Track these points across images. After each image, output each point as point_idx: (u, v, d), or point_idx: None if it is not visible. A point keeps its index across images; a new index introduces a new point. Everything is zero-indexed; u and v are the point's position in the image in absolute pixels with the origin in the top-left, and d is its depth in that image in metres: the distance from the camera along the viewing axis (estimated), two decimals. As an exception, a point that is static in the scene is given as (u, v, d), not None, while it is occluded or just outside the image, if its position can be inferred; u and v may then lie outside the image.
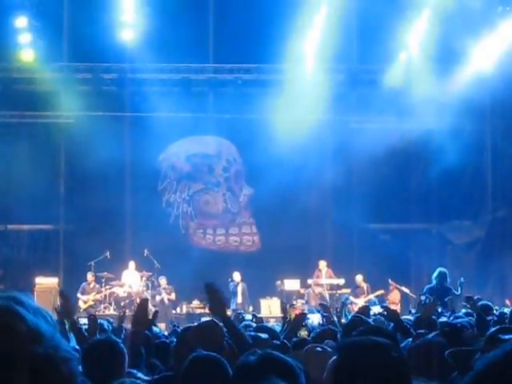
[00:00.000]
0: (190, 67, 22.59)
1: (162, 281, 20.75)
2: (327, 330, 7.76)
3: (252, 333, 7.08)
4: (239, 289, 20.73)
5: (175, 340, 6.67)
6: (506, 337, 4.43)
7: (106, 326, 8.92)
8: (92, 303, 20.21)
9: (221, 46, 22.55)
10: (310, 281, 21.02)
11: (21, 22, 20.68)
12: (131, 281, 20.76)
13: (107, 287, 20.56)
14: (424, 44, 21.16)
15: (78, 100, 21.75)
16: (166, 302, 20.48)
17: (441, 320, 9.90)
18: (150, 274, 20.93)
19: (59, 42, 21.96)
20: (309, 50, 21.65)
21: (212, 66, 22.95)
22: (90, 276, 20.49)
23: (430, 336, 6.54)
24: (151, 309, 20.15)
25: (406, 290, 20.58)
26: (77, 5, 21.53)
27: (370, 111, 21.96)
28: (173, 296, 20.70)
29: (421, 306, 12.47)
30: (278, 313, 20.62)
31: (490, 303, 10.97)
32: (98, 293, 20.39)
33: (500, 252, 22.16)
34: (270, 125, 21.35)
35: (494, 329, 6.08)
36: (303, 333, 8.46)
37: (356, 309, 15.75)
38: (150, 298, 20.46)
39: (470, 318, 9.28)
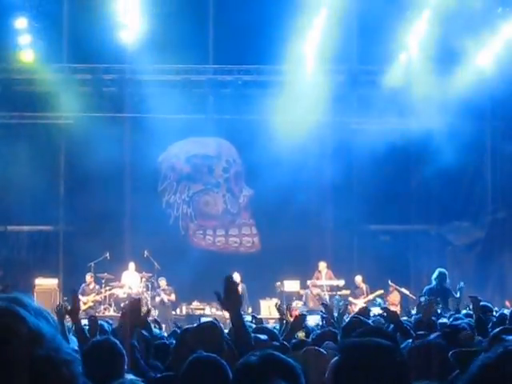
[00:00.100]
0: (189, 68, 22.58)
1: (162, 282, 20.75)
2: (327, 331, 7.76)
3: (251, 334, 7.07)
4: (239, 290, 20.71)
5: (175, 341, 6.68)
6: (510, 337, 4.43)
7: (106, 327, 8.92)
8: (91, 304, 20.20)
9: (221, 47, 22.55)
10: (309, 282, 21.02)
11: (21, 22, 20.67)
12: (131, 282, 20.75)
13: (107, 288, 20.55)
14: (424, 45, 21.16)
15: (78, 101, 21.75)
16: (166, 301, 20.46)
17: (441, 321, 9.92)
18: (150, 275, 20.92)
19: (59, 42, 21.96)
20: (309, 50, 21.65)
21: (212, 67, 22.94)
22: (88, 277, 20.49)
23: (432, 337, 6.55)
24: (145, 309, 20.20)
25: (406, 292, 20.57)
26: (76, 6, 21.52)
27: (370, 112, 21.97)
28: (173, 297, 20.70)
29: (420, 308, 12.50)
30: (277, 314, 20.63)
31: (489, 304, 10.97)
32: (97, 294, 20.39)
33: (500, 253, 22.18)
34: (270, 126, 21.35)
35: (497, 329, 6.09)
36: (301, 334, 8.47)
37: (356, 310, 15.76)
38: (149, 298, 20.48)
39: (470, 319, 9.27)
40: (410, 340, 6.47)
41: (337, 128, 22.22)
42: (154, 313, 19.94)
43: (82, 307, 19.85)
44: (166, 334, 10.83)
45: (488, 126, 23.03)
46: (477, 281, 21.84)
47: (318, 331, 8.33)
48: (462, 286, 15.12)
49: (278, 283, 21.35)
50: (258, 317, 13.47)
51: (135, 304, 6.58)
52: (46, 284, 20.67)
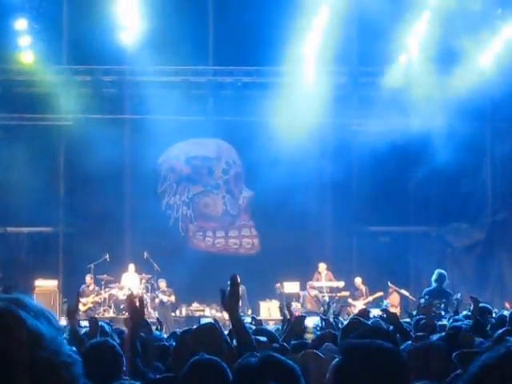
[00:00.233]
0: (189, 69, 22.58)
1: (162, 283, 20.74)
2: (327, 333, 7.76)
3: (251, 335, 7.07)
4: (239, 291, 20.69)
5: (174, 342, 6.68)
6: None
7: (107, 329, 8.92)
8: (91, 305, 20.20)
9: (220, 49, 22.55)
10: (314, 284, 21.00)
11: (20, 24, 20.66)
12: (131, 283, 20.74)
13: (106, 290, 20.56)
14: (424, 45, 21.16)
15: (78, 102, 21.74)
16: (166, 301, 20.41)
17: (440, 323, 9.92)
18: (150, 276, 20.92)
19: (59, 44, 21.96)
20: (309, 52, 21.64)
21: (212, 68, 22.94)
22: (88, 278, 20.48)
23: (434, 339, 6.56)
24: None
25: (406, 293, 20.57)
26: (76, 7, 21.52)
27: (370, 113, 21.96)
28: (173, 298, 20.67)
29: (421, 309, 12.49)
30: (277, 315, 20.64)
31: (489, 306, 10.97)
32: (97, 295, 20.39)
33: (499, 255, 22.18)
34: (270, 127, 21.35)
35: (501, 331, 6.10)
36: (310, 335, 8.46)
37: (355, 311, 15.76)
38: (149, 300, 20.47)
39: (469, 320, 9.28)
40: (410, 341, 6.47)
41: (336, 129, 22.22)
42: (154, 314, 19.94)
43: (82, 308, 19.89)
44: (165, 336, 10.82)
45: (488, 127, 23.04)
46: (476, 282, 21.88)
47: (318, 332, 8.33)
48: (458, 298, 15.03)
49: (278, 285, 21.35)
50: (258, 318, 13.48)
51: (133, 300, 6.57)
52: (46, 285, 20.68)
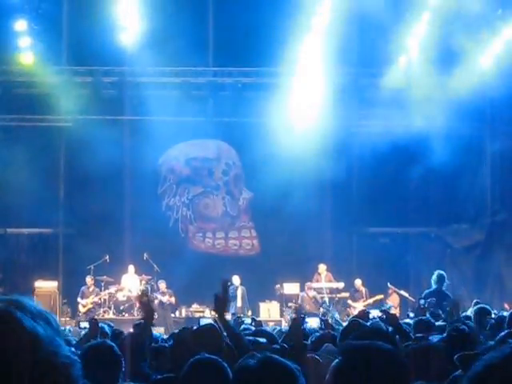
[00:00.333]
0: (189, 70, 22.59)
1: (162, 285, 20.73)
2: (326, 334, 7.77)
3: (250, 337, 7.09)
4: (239, 292, 20.71)
5: (172, 341, 6.69)
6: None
7: (107, 330, 8.93)
8: (91, 306, 20.21)
9: (220, 50, 22.56)
10: (312, 285, 20.99)
11: (20, 25, 20.66)
12: (131, 284, 20.74)
13: (106, 291, 20.56)
14: (424, 46, 21.14)
15: (78, 103, 21.75)
16: (165, 301, 20.36)
17: (438, 323, 9.92)
18: (150, 277, 20.93)
19: (59, 45, 21.94)
20: (309, 53, 21.63)
21: (212, 69, 22.95)
22: (89, 280, 20.49)
23: (436, 340, 6.56)
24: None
25: (405, 294, 20.57)
26: (76, 8, 21.51)
27: (369, 114, 21.97)
28: (173, 299, 20.66)
29: (420, 310, 12.51)
30: (277, 316, 20.65)
31: (488, 307, 10.96)
32: (96, 295, 20.40)
33: (499, 255, 22.16)
34: (270, 128, 21.34)
35: (503, 333, 6.10)
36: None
37: (355, 312, 15.75)
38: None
39: (468, 321, 9.28)
40: (410, 342, 6.48)
41: (336, 130, 22.19)
42: (154, 315, 19.94)
43: (82, 310, 19.93)
44: (165, 337, 10.83)
45: (487, 128, 23.03)
46: (476, 283, 21.89)
47: (317, 334, 8.34)
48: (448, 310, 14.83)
49: (278, 286, 21.36)
50: (258, 319, 13.47)
51: (146, 301, 6.60)
52: (46, 286, 20.67)
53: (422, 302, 14.21)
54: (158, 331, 15.11)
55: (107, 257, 20.87)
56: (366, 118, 22.12)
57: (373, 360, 2.69)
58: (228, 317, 20.34)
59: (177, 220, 23.73)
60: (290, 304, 20.68)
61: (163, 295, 20.47)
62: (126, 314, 20.34)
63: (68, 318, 20.54)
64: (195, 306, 21.03)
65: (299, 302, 20.44)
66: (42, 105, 21.98)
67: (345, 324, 9.83)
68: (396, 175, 22.53)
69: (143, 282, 20.77)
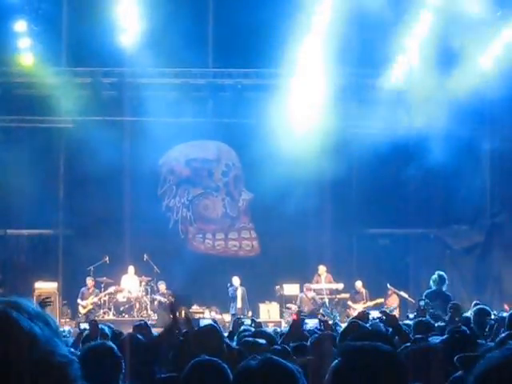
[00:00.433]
0: (189, 72, 22.59)
1: (162, 286, 20.74)
2: (326, 334, 7.77)
3: (250, 338, 7.09)
4: (239, 293, 20.72)
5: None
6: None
7: (107, 331, 8.92)
8: (91, 307, 20.21)
9: (220, 51, 22.56)
10: (311, 286, 20.99)
11: (20, 26, 20.65)
12: (131, 286, 20.75)
13: (106, 292, 20.56)
14: (424, 48, 21.13)
15: (78, 104, 21.74)
16: (164, 301, 20.32)
17: (439, 324, 9.92)
18: (150, 278, 20.93)
19: (59, 46, 21.93)
20: (308, 53, 21.61)
21: (211, 70, 22.95)
22: (89, 281, 20.50)
23: (436, 341, 6.56)
24: (151, 313, 20.21)
25: (405, 295, 20.57)
26: (76, 9, 21.49)
27: (369, 115, 21.94)
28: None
29: (420, 311, 12.49)
30: (277, 317, 20.64)
31: (487, 308, 10.96)
32: (96, 296, 20.40)
33: (498, 257, 22.17)
34: (270, 129, 21.34)
35: (504, 334, 6.11)
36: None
37: (354, 314, 15.74)
38: (149, 302, 20.48)
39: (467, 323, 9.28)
40: (409, 343, 6.48)
41: (336, 131, 22.17)
42: (154, 316, 19.97)
43: (82, 311, 19.93)
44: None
45: (487, 129, 23.02)
46: (475, 284, 21.90)
47: (317, 335, 8.33)
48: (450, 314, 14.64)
49: (278, 287, 21.36)
50: (257, 320, 13.47)
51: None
52: (46, 287, 20.66)
53: (421, 302, 14.20)
54: (158, 332, 15.03)
55: (107, 258, 20.88)
56: (366, 119, 22.08)
57: (371, 361, 2.69)
58: (227, 317, 20.41)
59: (177, 221, 23.73)
60: (288, 305, 20.69)
61: (163, 296, 20.47)
62: (126, 315, 20.34)
63: (68, 319, 20.55)
64: (195, 307, 21.02)
65: (298, 303, 20.44)
66: (42, 106, 21.97)
67: (344, 325, 9.82)
68: (396, 176, 22.54)
69: (143, 283, 20.78)
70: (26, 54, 21.03)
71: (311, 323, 10.82)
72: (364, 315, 9.94)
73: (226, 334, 6.17)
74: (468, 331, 7.12)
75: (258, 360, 3.06)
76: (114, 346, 5.41)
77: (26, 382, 1.57)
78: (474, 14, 19.33)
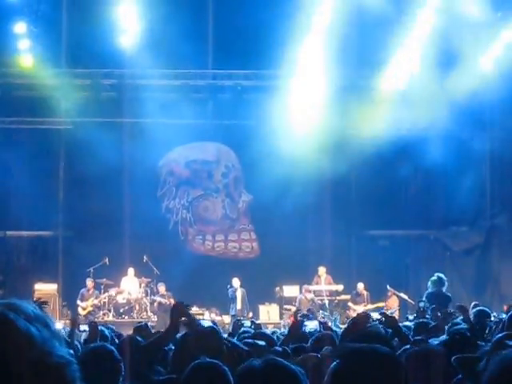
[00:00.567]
0: (189, 73, 22.60)
1: (161, 287, 20.73)
2: (326, 335, 7.76)
3: (249, 340, 7.08)
4: (238, 295, 20.70)
5: (174, 346, 6.67)
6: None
7: (106, 333, 8.91)
8: (91, 309, 20.20)
9: (220, 52, 22.56)
10: (310, 287, 20.98)
11: (20, 27, 20.65)
12: (130, 287, 20.75)
13: (106, 293, 20.55)
14: (423, 49, 21.13)
15: (77, 106, 21.76)
16: (164, 303, 20.31)
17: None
18: (149, 280, 20.93)
19: (58, 47, 21.94)
20: (308, 54, 21.60)
21: (211, 71, 22.96)
22: (89, 282, 20.49)
23: (436, 343, 6.55)
24: (150, 315, 20.20)
25: (405, 296, 20.56)
26: (76, 10, 21.49)
27: (369, 117, 21.94)
28: (172, 302, 20.62)
29: (420, 313, 12.49)
30: (276, 319, 20.64)
31: (487, 309, 10.96)
32: (96, 298, 20.39)
33: (498, 258, 22.16)
34: (270, 131, 21.34)
35: (500, 335, 6.09)
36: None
37: (354, 315, 15.73)
38: (148, 304, 20.47)
39: (464, 324, 9.27)
40: (408, 345, 6.47)
41: (336, 133, 22.16)
42: (154, 318, 19.96)
43: (82, 312, 19.91)
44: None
45: (487, 131, 23.01)
46: (475, 285, 21.89)
47: (317, 334, 8.32)
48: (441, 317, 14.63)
49: (277, 288, 21.35)
50: (257, 322, 13.46)
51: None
52: (46, 289, 20.66)
53: (421, 304, 14.20)
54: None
55: (107, 259, 20.86)
56: (365, 121, 22.07)
57: (370, 363, 2.69)
58: (227, 318, 20.39)
59: (176, 223, 23.73)
60: (286, 306, 20.68)
61: (163, 298, 20.46)
62: (126, 317, 20.33)
63: (68, 321, 20.52)
64: (195, 309, 20.97)
65: (297, 304, 20.43)
66: (42, 107, 21.98)
67: (344, 326, 9.82)
68: (395, 178, 22.54)
69: (143, 285, 20.78)
70: (26, 55, 21.04)
71: (311, 325, 10.82)
72: (363, 317, 9.92)
73: (225, 336, 6.18)
74: (468, 333, 7.10)
75: (260, 361, 3.06)
76: (113, 348, 5.40)
77: (23, 382, 1.57)
78: (474, 16, 19.34)
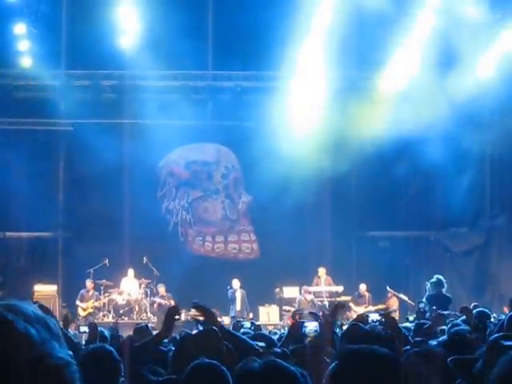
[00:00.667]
0: (188, 74, 22.60)
1: (161, 288, 20.72)
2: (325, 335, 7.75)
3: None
4: (238, 296, 20.69)
5: (174, 347, 6.67)
6: (509, 343, 4.43)
7: (106, 334, 8.91)
8: (91, 310, 20.19)
9: (220, 53, 22.57)
10: (310, 288, 20.98)
11: (19, 28, 20.67)
12: (130, 288, 20.73)
13: (106, 294, 20.54)
14: (423, 50, 21.14)
15: (77, 107, 21.75)
16: (163, 304, 20.30)
17: (440, 327, 9.90)
18: (149, 281, 20.91)
19: (58, 48, 21.96)
20: (308, 55, 21.61)
21: (211, 72, 22.97)
22: (89, 283, 20.47)
23: (437, 343, 6.55)
24: (150, 316, 20.19)
25: (405, 298, 20.54)
26: (75, 11, 21.50)
27: (369, 118, 21.94)
28: (172, 303, 20.61)
29: (420, 314, 12.49)
30: (276, 320, 20.62)
31: (487, 310, 10.96)
32: (96, 300, 20.37)
33: (498, 259, 22.15)
34: (269, 132, 21.34)
35: (496, 335, 6.09)
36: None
37: (354, 316, 15.73)
38: (148, 305, 20.46)
39: (463, 325, 9.26)
40: (408, 347, 6.47)
41: (336, 134, 22.16)
42: (153, 319, 19.94)
43: (82, 314, 19.90)
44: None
45: (487, 132, 22.99)
46: (475, 286, 21.87)
47: (315, 334, 8.31)
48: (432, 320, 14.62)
49: (277, 289, 21.33)
50: (257, 323, 13.46)
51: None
52: (45, 290, 20.64)
53: (421, 305, 14.21)
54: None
55: (106, 260, 20.84)
56: (365, 122, 22.07)
57: (369, 364, 2.69)
58: (227, 319, 20.36)
59: (176, 224, 23.73)
60: (285, 307, 20.66)
61: (163, 299, 20.46)
62: (126, 318, 20.32)
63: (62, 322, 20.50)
64: (194, 310, 20.97)
65: (296, 305, 20.41)
66: (42, 108, 21.99)
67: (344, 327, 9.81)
68: (395, 179, 22.53)
69: (143, 286, 20.76)
70: (26, 56, 21.07)
71: (311, 326, 10.81)
72: (363, 318, 9.92)
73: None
74: (471, 334, 7.10)
75: (260, 363, 3.06)
76: (112, 349, 5.40)
77: (21, 382, 1.56)
78: (473, 17, 19.35)
